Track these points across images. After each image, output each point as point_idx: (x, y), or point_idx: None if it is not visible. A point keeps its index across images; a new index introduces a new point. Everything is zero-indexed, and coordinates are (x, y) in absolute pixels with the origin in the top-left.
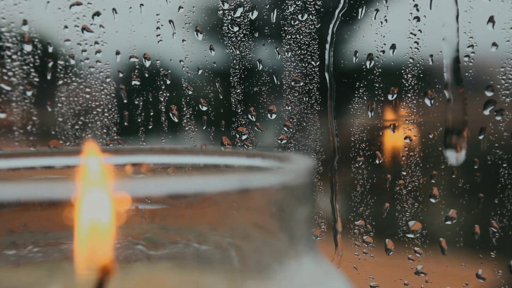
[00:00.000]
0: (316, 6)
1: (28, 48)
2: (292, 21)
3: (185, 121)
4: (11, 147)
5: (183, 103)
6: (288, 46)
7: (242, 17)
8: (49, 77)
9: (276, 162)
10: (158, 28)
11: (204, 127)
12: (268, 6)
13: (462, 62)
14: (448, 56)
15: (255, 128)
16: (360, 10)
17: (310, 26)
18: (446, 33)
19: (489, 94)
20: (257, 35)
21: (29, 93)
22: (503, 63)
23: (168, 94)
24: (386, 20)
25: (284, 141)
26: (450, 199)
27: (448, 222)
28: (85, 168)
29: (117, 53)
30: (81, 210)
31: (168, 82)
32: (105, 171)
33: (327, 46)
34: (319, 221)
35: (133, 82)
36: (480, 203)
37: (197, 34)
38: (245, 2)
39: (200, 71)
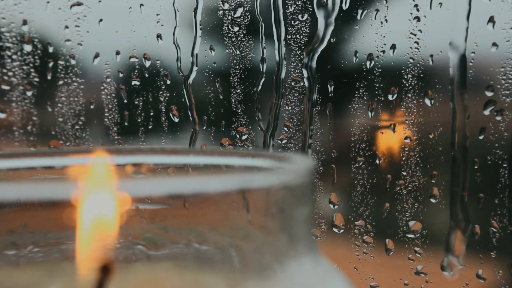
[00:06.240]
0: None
1: (28, 48)
2: (292, 21)
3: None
4: (11, 147)
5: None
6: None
7: (242, 17)
8: (49, 77)
9: (276, 162)
10: (158, 28)
11: (204, 127)
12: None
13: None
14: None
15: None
16: (360, 10)
17: (310, 27)
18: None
19: (489, 94)
20: (257, 35)
21: (29, 93)
22: (503, 63)
23: (168, 94)
24: (386, 20)
25: (284, 141)
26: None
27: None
28: (85, 168)
29: (117, 53)
30: (81, 210)
31: (168, 82)
32: (105, 171)
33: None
34: (319, 221)
35: (133, 82)
36: (480, 203)
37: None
38: (245, 2)
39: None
